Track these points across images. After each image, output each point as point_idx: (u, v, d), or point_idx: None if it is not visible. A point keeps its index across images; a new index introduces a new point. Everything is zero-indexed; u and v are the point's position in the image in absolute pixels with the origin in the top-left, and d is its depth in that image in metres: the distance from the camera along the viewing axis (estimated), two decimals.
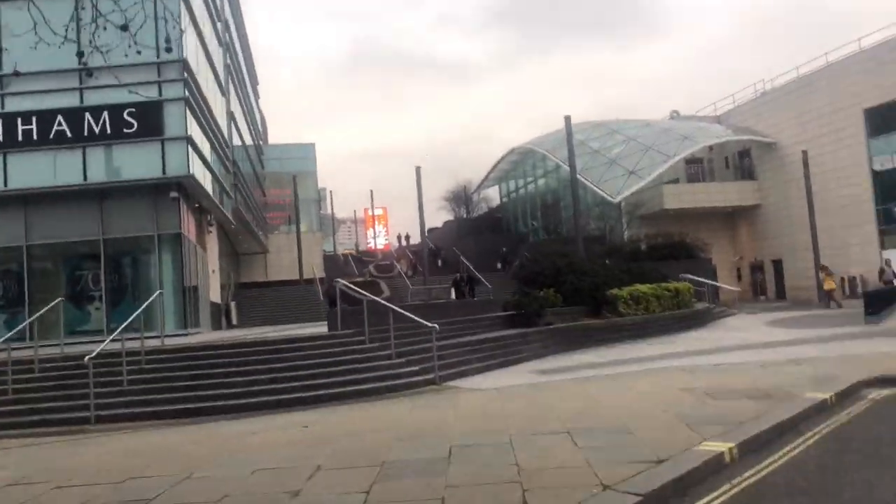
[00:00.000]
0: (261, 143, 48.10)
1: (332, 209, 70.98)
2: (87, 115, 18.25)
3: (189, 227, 20.33)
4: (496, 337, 15.60)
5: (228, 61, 30.75)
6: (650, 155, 41.03)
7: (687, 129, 43.61)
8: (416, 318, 12.32)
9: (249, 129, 40.81)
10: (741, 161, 44.63)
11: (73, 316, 18.66)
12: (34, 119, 18.21)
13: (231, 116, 30.12)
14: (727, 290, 33.53)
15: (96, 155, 18.43)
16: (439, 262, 43.30)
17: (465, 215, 63.04)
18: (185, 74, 18.66)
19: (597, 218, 40.67)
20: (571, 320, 18.42)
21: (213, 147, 23.01)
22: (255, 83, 48.81)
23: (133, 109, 18.29)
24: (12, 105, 18.42)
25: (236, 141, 31.59)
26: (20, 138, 18.22)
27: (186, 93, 18.64)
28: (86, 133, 18.24)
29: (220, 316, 29.20)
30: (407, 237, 59.56)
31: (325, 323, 14.62)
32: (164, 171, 18.47)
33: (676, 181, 43.22)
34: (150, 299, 13.88)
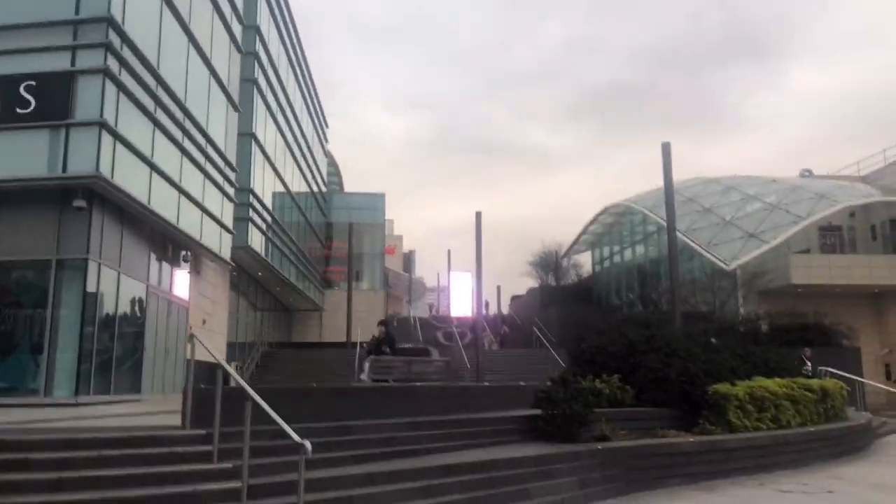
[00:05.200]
0: (321, 189, 43.38)
1: (412, 270, 65.70)
2: None
3: (115, 252, 14.77)
4: (488, 462, 8.48)
5: (259, 75, 26.01)
6: (776, 216, 33.16)
7: (823, 188, 35.46)
8: (281, 421, 5.85)
9: (303, 168, 36.08)
10: (892, 231, 35.76)
11: None
12: None
13: (253, 138, 25.12)
14: (879, 390, 25.20)
15: None
16: (503, 331, 36.84)
17: (552, 283, 55.71)
18: (111, 37, 13.37)
19: (704, 290, 32.74)
20: (642, 435, 10.82)
21: (185, 154, 17.51)
22: (321, 124, 44.45)
23: (32, 83, 13.14)
24: None
25: (262, 176, 26.51)
26: None
27: (108, 63, 13.30)
28: None
29: (215, 379, 23.65)
30: (486, 304, 53.25)
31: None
32: (64, 169, 13.05)
33: (807, 251, 35.05)
34: None
